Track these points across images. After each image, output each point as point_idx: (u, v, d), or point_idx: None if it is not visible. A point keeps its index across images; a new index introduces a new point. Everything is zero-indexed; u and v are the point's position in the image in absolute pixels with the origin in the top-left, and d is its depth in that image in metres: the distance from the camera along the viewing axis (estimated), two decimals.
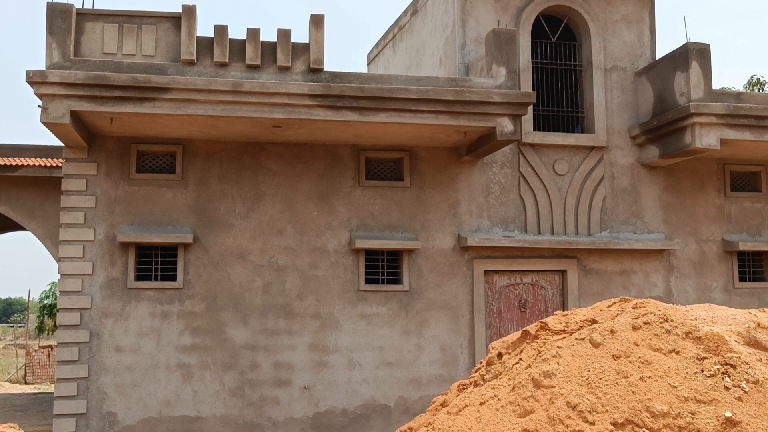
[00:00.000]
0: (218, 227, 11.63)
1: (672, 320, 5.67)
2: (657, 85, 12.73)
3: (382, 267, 12.10)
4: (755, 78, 26.70)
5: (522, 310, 12.46)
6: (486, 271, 12.34)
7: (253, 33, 10.40)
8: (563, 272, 12.66)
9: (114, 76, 9.96)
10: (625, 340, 5.55)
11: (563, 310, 12.59)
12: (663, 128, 12.37)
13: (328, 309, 11.74)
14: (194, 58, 10.27)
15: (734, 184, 13.68)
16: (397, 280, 12.09)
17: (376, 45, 17.62)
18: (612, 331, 5.67)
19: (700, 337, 5.44)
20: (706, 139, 11.82)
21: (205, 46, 10.38)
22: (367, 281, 11.97)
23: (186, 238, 11.33)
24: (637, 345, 5.51)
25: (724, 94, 12.15)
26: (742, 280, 13.48)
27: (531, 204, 12.59)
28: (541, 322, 6.54)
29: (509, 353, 6.66)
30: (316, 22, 10.59)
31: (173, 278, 11.48)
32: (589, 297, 12.52)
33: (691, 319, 5.76)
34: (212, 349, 11.38)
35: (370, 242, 11.79)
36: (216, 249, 11.58)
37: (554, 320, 6.58)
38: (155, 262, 11.53)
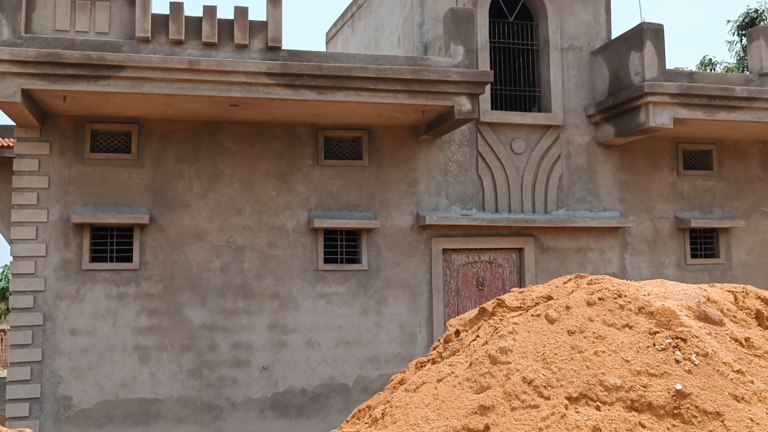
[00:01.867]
0: (175, 207, 11.51)
1: (625, 296, 5.78)
2: (612, 64, 12.88)
3: (341, 246, 12.10)
4: (707, 58, 27.20)
5: (480, 288, 12.58)
6: (444, 250, 12.42)
7: (210, 10, 10.26)
8: (520, 250, 12.80)
9: (67, 54, 9.75)
10: (580, 315, 5.64)
11: (520, 288, 12.75)
12: (618, 107, 12.53)
13: (287, 289, 11.72)
14: (149, 35, 10.09)
15: (687, 162, 13.93)
16: (356, 260, 12.11)
17: (335, 24, 17.50)
18: (567, 307, 5.77)
19: (652, 312, 5.56)
20: (660, 117, 12.00)
21: (161, 23, 10.21)
22: (326, 260, 11.97)
23: (142, 219, 11.19)
24: (592, 320, 5.61)
25: (677, 74, 12.34)
26: (693, 256, 13.77)
27: (489, 182, 12.68)
28: (498, 299, 6.62)
29: (466, 330, 6.73)
30: (274, 0, 10.47)
31: (129, 259, 11.34)
32: (546, 274, 12.68)
33: (644, 295, 5.88)
34: (169, 330, 11.29)
35: (329, 221, 11.78)
36: (173, 229, 11.47)
37: (511, 297, 6.67)
38: (111, 243, 11.37)
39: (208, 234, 11.56)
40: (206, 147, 11.67)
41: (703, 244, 13.91)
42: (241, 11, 10.39)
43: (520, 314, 6.26)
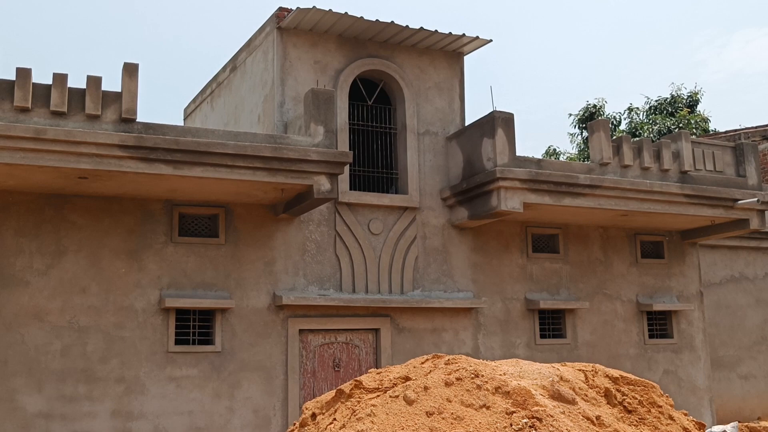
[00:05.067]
0: (12, 285, 10.69)
1: (482, 375, 5.81)
2: (466, 149, 13.36)
3: (194, 327, 11.61)
4: (552, 148, 28.98)
5: (336, 369, 12.38)
6: (301, 330, 12.19)
7: (60, 78, 9.82)
8: (377, 331, 12.76)
9: None
10: (438, 396, 5.61)
11: (377, 369, 12.65)
12: (471, 191, 12.94)
13: (134, 372, 11.06)
14: None
15: (535, 245, 14.52)
16: (209, 341, 11.64)
17: (194, 100, 17.28)
18: (425, 388, 5.72)
19: (508, 392, 5.60)
20: (510, 202, 12.48)
21: (5, 89, 9.65)
22: (177, 342, 11.43)
23: None
24: (450, 401, 5.58)
25: (526, 161, 12.94)
26: (543, 336, 14.21)
27: (346, 262, 12.66)
28: (356, 381, 6.49)
29: (323, 413, 6.54)
30: (130, 70, 10.19)
31: None
32: (402, 355, 12.67)
33: (500, 374, 5.93)
34: (0, 419, 10.32)
35: (181, 301, 11.30)
36: (9, 309, 10.62)
37: (368, 378, 6.56)
38: None
39: (48, 314, 10.79)
40: (50, 221, 11.01)
41: (551, 324, 14.41)
42: (94, 80, 10.03)
43: (378, 396, 6.16)
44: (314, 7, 12.23)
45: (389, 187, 13.80)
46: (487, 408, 5.47)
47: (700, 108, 29.44)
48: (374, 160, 13.82)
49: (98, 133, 9.78)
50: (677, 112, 28.30)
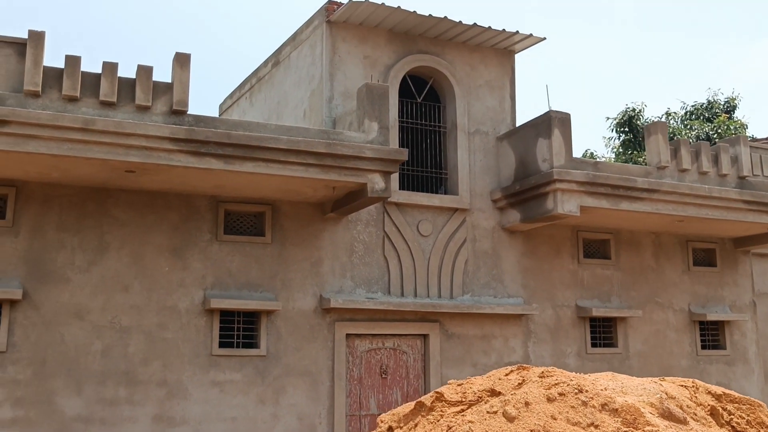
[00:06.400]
0: (53, 281, 10.29)
1: (587, 391, 5.31)
2: (519, 150, 12.85)
3: (238, 329, 11.17)
4: (589, 152, 28.36)
5: (383, 376, 11.90)
6: (348, 335, 11.71)
7: (110, 67, 9.41)
8: (425, 336, 12.26)
9: None
10: (541, 413, 5.11)
11: (425, 377, 12.14)
12: (525, 193, 12.43)
13: (177, 375, 10.62)
14: (39, 89, 9.11)
15: (587, 251, 13.98)
16: (253, 344, 11.19)
17: (230, 95, 16.86)
18: (526, 404, 5.22)
19: (616, 409, 5.10)
20: (567, 205, 11.96)
21: (54, 77, 9.26)
22: (222, 345, 10.98)
23: (14, 294, 9.91)
24: (555, 419, 5.08)
25: (583, 162, 12.42)
26: (594, 345, 13.66)
27: (395, 265, 12.18)
28: (437, 392, 6.00)
29: (401, 427, 6.05)
30: (182, 60, 9.77)
31: None
32: (451, 362, 12.19)
33: (602, 389, 5.44)
34: (37, 422, 9.90)
35: (226, 302, 10.86)
36: (49, 306, 10.22)
37: (450, 390, 6.06)
38: None
39: (89, 313, 10.38)
40: (93, 215, 10.60)
41: (603, 333, 13.85)
42: (145, 70, 9.62)
43: (462, 410, 5.67)
44: (367, 0, 11.77)
45: (438, 187, 13.31)
46: (596, 427, 4.98)
47: (737, 114, 28.73)
48: (423, 159, 13.34)
49: (148, 125, 9.35)
50: (714, 118, 27.61)
